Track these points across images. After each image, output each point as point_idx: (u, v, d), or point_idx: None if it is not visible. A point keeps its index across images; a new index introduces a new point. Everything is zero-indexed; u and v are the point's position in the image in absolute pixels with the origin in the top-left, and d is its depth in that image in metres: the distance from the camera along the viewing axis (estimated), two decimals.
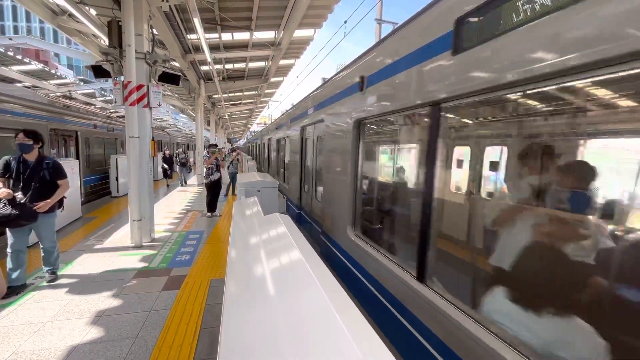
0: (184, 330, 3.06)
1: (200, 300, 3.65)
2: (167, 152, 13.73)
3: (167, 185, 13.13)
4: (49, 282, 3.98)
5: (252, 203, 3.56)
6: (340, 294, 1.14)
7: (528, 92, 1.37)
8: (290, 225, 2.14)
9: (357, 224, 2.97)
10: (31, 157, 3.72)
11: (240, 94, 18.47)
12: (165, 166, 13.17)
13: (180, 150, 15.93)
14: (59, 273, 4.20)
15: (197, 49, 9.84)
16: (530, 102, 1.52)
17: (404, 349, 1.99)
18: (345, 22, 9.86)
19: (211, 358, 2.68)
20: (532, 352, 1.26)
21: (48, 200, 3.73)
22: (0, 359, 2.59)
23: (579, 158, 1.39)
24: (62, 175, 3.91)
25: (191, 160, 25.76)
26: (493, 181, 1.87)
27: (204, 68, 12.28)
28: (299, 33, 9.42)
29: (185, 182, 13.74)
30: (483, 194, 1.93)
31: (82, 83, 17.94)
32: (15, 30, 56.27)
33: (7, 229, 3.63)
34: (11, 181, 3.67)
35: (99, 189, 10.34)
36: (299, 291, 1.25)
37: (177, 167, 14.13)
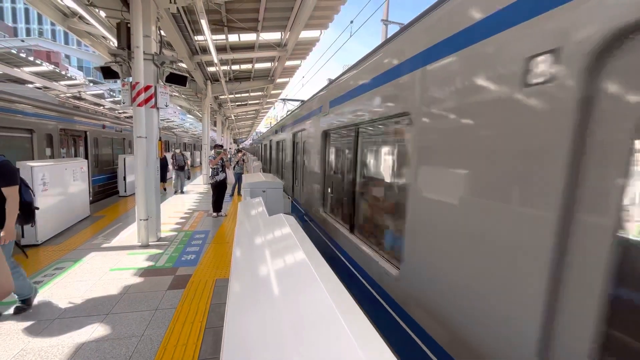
0: (189, 329, 3.08)
1: (205, 299, 3.67)
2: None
3: (163, 190, 11.07)
4: (14, 312, 3.21)
5: (257, 203, 3.57)
6: (344, 295, 1.14)
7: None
8: (294, 226, 2.14)
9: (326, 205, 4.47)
10: None
11: (247, 94, 18.57)
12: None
13: (178, 150, 12.56)
14: (40, 292, 3.58)
15: (204, 50, 9.92)
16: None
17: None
18: (352, 22, 9.83)
19: (215, 357, 2.69)
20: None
21: (8, 226, 2.85)
22: (9, 355, 2.63)
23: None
24: (7, 181, 2.85)
25: (196, 160, 24.90)
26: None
27: (211, 69, 12.38)
28: (305, 34, 9.44)
29: (183, 190, 11.66)
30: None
31: (91, 84, 18.25)
32: (28, 32, 57.47)
33: None
34: None
35: (107, 188, 10.48)
36: (302, 292, 1.25)
37: (172, 172, 12.07)
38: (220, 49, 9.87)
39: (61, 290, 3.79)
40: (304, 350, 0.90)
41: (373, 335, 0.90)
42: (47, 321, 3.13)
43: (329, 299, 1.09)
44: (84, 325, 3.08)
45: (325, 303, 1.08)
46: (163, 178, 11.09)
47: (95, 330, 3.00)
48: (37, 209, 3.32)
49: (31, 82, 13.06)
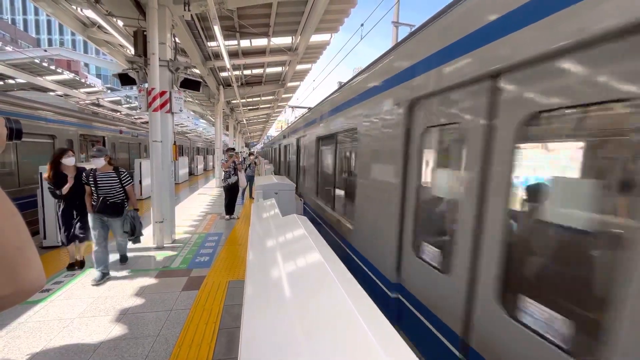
0: (203, 329, 3.11)
1: (218, 301, 3.71)
2: (65, 160, 4.22)
3: (75, 266, 4.54)
4: None
5: (270, 205, 3.59)
6: (362, 297, 1.12)
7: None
8: (308, 227, 2.14)
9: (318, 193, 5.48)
10: None
11: (258, 99, 18.80)
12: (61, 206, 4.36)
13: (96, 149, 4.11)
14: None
15: (217, 55, 10.12)
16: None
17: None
18: (362, 25, 9.84)
19: (229, 358, 2.70)
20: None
21: None
22: (32, 353, 2.72)
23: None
24: None
25: (209, 164, 23.14)
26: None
27: (223, 74, 12.60)
28: (316, 38, 9.51)
29: (125, 258, 4.87)
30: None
31: (109, 91, 18.85)
32: (50, 42, 59.94)
33: None
34: None
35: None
36: (320, 293, 1.24)
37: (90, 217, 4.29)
38: (233, 54, 10.04)
39: (81, 290, 3.90)
40: (324, 353, 0.89)
41: (396, 340, 0.88)
42: (67, 320, 3.22)
43: (348, 300, 1.08)
44: (102, 325, 3.15)
45: (345, 306, 1.06)
46: (82, 231, 4.43)
47: (113, 330, 3.07)
48: None
49: (53, 90, 13.61)
